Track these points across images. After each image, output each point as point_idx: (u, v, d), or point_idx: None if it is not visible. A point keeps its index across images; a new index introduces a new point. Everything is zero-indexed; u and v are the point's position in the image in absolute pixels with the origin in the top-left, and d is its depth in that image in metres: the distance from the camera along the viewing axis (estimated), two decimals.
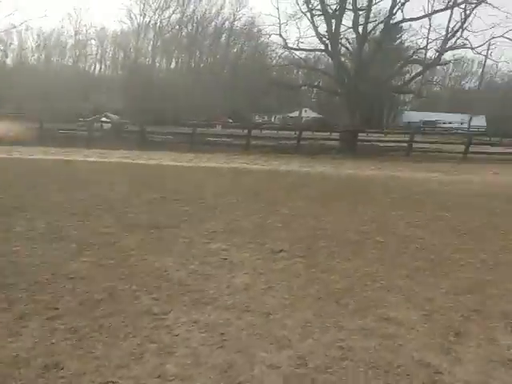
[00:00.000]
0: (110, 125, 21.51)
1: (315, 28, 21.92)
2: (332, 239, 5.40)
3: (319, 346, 2.84)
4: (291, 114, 65.84)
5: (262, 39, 48.44)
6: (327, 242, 5.26)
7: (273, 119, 67.57)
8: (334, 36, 21.23)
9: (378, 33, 22.69)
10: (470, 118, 39.64)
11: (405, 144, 19.46)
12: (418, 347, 2.89)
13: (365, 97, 22.26)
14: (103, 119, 22.96)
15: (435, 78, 51.77)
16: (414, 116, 61.54)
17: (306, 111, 64.35)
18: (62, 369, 2.56)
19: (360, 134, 21.35)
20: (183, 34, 64.12)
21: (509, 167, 15.31)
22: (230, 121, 50.36)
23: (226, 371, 2.54)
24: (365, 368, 2.61)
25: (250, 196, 8.15)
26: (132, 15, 65.72)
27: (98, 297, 3.56)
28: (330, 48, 21.87)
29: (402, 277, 4.18)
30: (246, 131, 21.38)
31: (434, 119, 58.69)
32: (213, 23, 64.60)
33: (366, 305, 3.51)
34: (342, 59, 23.26)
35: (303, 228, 5.92)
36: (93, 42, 65.09)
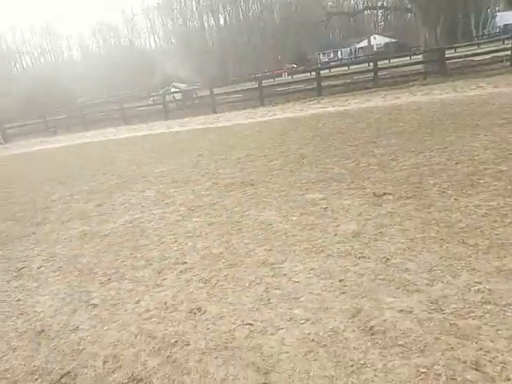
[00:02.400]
0: (180, 94, 22.04)
1: None
2: (441, 175, 5.01)
3: (453, 290, 2.70)
4: (359, 45, 61.10)
5: None
6: (436, 179, 4.89)
7: (339, 55, 63.64)
8: None
9: None
10: None
11: (507, 52, 16.15)
12: None
13: (442, 5, 19.35)
14: (172, 90, 23.56)
15: None
16: (511, 16, 52.30)
17: (375, 38, 59.11)
18: (205, 312, 2.88)
19: (447, 52, 18.20)
20: None
21: None
22: (295, 66, 48.65)
23: (356, 315, 2.60)
24: None
25: (337, 140, 7.93)
26: None
27: (217, 251, 3.86)
28: None
29: None
30: (313, 74, 20.46)
31: None
32: None
33: (501, 243, 3.20)
34: None
35: (404, 167, 5.61)
36: (140, 17, 66.00)
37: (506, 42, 21.04)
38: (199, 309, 2.93)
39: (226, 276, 3.35)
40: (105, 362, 2.51)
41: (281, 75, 39.01)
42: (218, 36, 58.67)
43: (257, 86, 18.37)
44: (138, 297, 3.23)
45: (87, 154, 11.78)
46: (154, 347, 2.58)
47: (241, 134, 10.96)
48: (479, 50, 19.97)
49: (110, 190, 6.87)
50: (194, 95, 22.75)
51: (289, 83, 25.22)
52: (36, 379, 2.46)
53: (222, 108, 18.38)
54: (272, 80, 33.68)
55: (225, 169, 7.15)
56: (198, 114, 18.21)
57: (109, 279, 3.63)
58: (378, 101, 13.13)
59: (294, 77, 35.38)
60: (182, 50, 54.86)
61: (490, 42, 31.53)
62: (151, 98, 24.32)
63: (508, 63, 15.52)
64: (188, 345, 2.55)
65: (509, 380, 1.94)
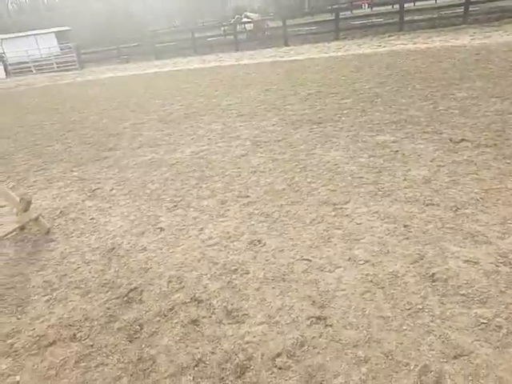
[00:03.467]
0: (251, 24, 21.18)
1: None
2: None
3: None
4: None
5: None
6: None
7: None
8: None
9: None
10: None
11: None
12: None
13: None
14: (244, 20, 22.63)
15: None
16: None
17: None
18: (264, 245, 2.97)
19: None
20: None
21: None
22: None
23: (417, 261, 2.54)
24: None
25: (415, 80, 7.31)
26: None
27: (280, 187, 3.88)
28: None
29: None
30: (397, 6, 18.50)
31: None
32: None
33: None
34: None
35: (487, 113, 5.11)
36: None
37: None
38: (260, 241, 3.02)
39: (287, 212, 3.39)
40: (169, 282, 2.71)
41: (360, 6, 35.89)
42: None
43: (333, 18, 17.11)
44: (201, 225, 3.40)
45: (157, 84, 12.03)
46: (215, 272, 2.74)
47: (312, 68, 10.47)
48: None
49: (178, 121, 7.05)
50: (266, 26, 21.79)
51: (368, 16, 23.13)
52: (106, 291, 2.72)
53: (295, 41, 17.52)
54: (350, 12, 31.12)
55: (293, 105, 6.97)
56: (269, 46, 17.58)
57: (175, 206, 3.83)
58: (465, 39, 11.73)
59: (374, 9, 32.39)
60: None
61: None
62: (222, 28, 23.71)
63: None
64: (247, 273, 2.68)
65: None
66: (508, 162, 3.69)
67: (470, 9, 15.48)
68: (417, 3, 27.89)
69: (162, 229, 3.44)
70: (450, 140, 4.39)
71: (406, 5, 20.36)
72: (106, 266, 3.02)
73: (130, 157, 5.49)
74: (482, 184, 3.38)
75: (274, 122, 6.07)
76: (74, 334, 2.35)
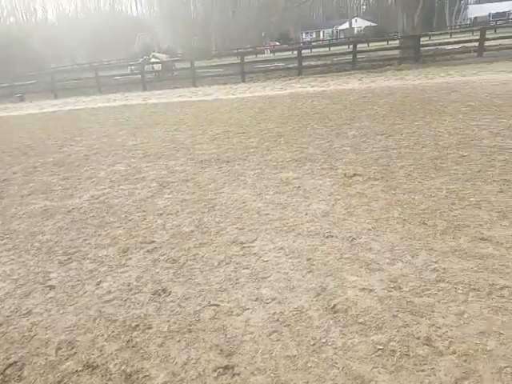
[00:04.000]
0: (160, 65, 21.34)
1: None
2: (408, 158, 5.13)
3: (411, 269, 2.78)
4: (341, 27, 60.90)
5: None
6: (403, 162, 5.01)
7: (321, 35, 63.16)
8: None
9: None
10: None
11: (475, 43, 16.98)
12: None
13: None
14: (152, 60, 22.72)
15: None
16: (481, 9, 54.13)
17: (356, 21, 59.16)
18: (170, 294, 2.82)
19: (422, 39, 19.16)
20: None
21: None
22: (278, 43, 47.92)
23: (320, 294, 2.61)
24: (464, 290, 2.52)
25: (313, 121, 7.90)
26: None
27: (187, 229, 3.79)
28: None
29: (494, 192, 3.90)
30: (295, 53, 20.23)
31: (505, 10, 51.19)
32: None
33: (457, 225, 3.34)
34: None
35: (374, 149, 5.67)
36: None
37: (475, 33, 21.68)
38: (164, 290, 2.86)
39: (195, 255, 3.29)
40: (58, 349, 2.37)
41: (263, 52, 38.40)
42: (203, 8, 56.90)
43: (239, 61, 17.99)
44: (99, 278, 3.11)
45: (55, 124, 11.31)
46: (113, 332, 2.49)
47: (220, 109, 10.76)
48: (451, 40, 20.40)
49: (77, 163, 6.63)
50: (174, 67, 22.06)
51: (271, 61, 24.87)
52: None
53: (203, 82, 17.98)
54: (254, 56, 33.15)
55: (201, 144, 7.02)
56: (177, 86, 17.77)
57: (69, 259, 3.46)
58: (354, 83, 13.13)
59: (276, 54, 34.90)
60: (164, 19, 53.01)
61: (462, 32, 32.37)
62: (129, 67, 23.45)
63: (475, 54, 15.98)
64: (150, 328, 2.49)
65: (455, 353, 2.03)
66: (394, 192, 4.08)
67: (358, 57, 17.59)
68: (313, 50, 30.80)
69: (51, 287, 3.07)
70: (345, 175, 4.75)
71: (303, 51, 22.34)
72: None
73: (17, 205, 4.94)
74: (373, 214, 3.68)
75: (182, 162, 6.03)
76: None
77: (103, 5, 64.91)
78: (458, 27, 45.86)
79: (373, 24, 56.02)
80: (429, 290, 2.54)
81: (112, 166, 6.21)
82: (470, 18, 55.75)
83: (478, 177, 4.31)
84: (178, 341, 2.36)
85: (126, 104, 14.06)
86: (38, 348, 2.42)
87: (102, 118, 11.34)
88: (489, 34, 18.45)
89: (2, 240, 4.03)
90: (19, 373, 2.25)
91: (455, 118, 6.90)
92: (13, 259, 3.60)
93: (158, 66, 21.51)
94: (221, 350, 2.24)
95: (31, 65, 36.23)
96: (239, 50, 30.02)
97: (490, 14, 51.92)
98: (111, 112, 12.48)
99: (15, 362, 2.33)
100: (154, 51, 26.91)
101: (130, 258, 3.38)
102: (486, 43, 16.49)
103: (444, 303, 2.41)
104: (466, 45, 17.26)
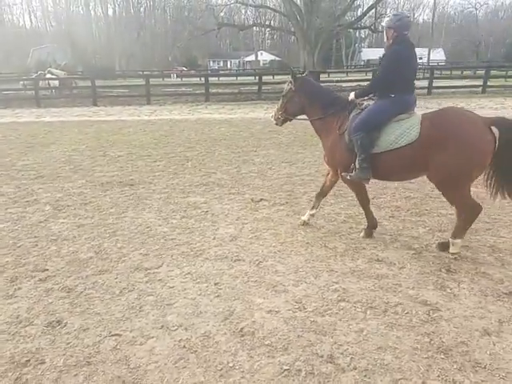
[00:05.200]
0: (57, 82, 19.91)
1: None
2: (310, 185, 5.49)
3: (314, 290, 2.94)
4: (247, 58, 63.90)
5: None
6: (306, 188, 5.35)
7: (229, 64, 65.45)
8: None
9: None
10: (429, 52, 38.75)
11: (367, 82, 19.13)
12: None
13: (320, 34, 21.88)
14: (48, 75, 21.10)
15: (388, 11, 51.62)
16: (373, 53, 61.41)
17: (262, 54, 62.60)
18: (65, 325, 2.59)
19: (322, 75, 20.99)
20: None
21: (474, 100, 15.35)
22: (185, 69, 48.26)
23: (228, 318, 2.63)
24: (363, 308, 2.71)
25: (221, 146, 8.06)
26: None
27: (85, 256, 3.54)
28: None
29: (386, 217, 4.31)
30: (203, 79, 20.61)
31: None
32: None
33: (355, 247, 3.62)
34: None
35: (280, 176, 5.96)
36: None
37: (368, 73, 24.60)
38: (59, 321, 2.62)
39: (93, 284, 3.08)
40: None
41: (170, 76, 38.27)
42: (106, 27, 54.99)
43: (144, 83, 17.65)
44: None
45: None
46: None
47: (123, 130, 10.37)
48: (347, 78, 22.81)
49: None
50: (74, 84, 20.77)
51: (178, 85, 24.85)
52: None
53: (105, 102, 17.16)
54: (161, 80, 32.80)
55: (102, 166, 6.66)
56: (76, 105, 16.68)
57: None
58: (260, 112, 13.76)
59: (184, 79, 35.06)
60: (62, 35, 49.98)
61: (356, 71, 36.48)
62: (21, 82, 21.39)
63: None
64: (43, 363, 2.26)
65: (355, 369, 2.18)
66: (298, 217, 4.31)
67: (263, 88, 18.52)
68: (221, 78, 31.65)
69: None
70: (252, 200, 4.91)
71: (211, 79, 22.82)
72: None
73: None
74: (279, 238, 3.85)
75: (80, 185, 5.64)
76: None
77: None
78: (353, 67, 51.11)
79: (277, 58, 59.78)
80: (331, 309, 2.71)
81: None
82: (364, 60, 62.87)
83: (373, 203, 4.67)
84: (75, 375, 2.17)
85: (17, 121, 12.74)
86: None
87: None
88: None
89: None
90: None
91: None
92: None
93: (54, 83, 20.05)
94: (123, 382, 2.12)
95: None
96: (145, 72, 29.47)
97: (379, 57, 59.03)
98: None
99: None
100: (50, 67, 25.07)
101: (20, 288, 3.04)
102: None
103: (345, 321, 2.58)
104: (360, 83, 19.30)
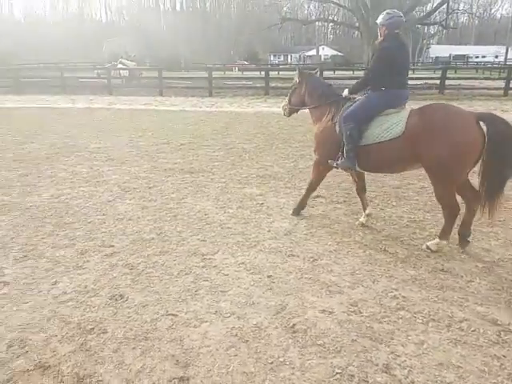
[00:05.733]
0: (127, 72, 20.99)
1: None
2: (370, 185, 5.09)
3: (371, 295, 2.83)
4: (308, 53, 63.06)
5: None
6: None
7: (289, 59, 65.04)
8: None
9: None
10: (507, 50, 35.34)
11: (436, 81, 17.54)
12: None
13: None
14: (119, 66, 22.30)
15: (461, 6, 47.92)
16: (442, 50, 57.75)
17: (323, 49, 61.48)
18: (127, 300, 2.75)
19: None
20: None
21: None
22: (246, 63, 48.70)
23: (280, 312, 2.63)
24: (424, 320, 2.56)
25: (279, 140, 8.05)
26: None
27: (148, 236, 3.72)
28: None
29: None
30: (263, 73, 20.62)
31: (464, 53, 55.14)
32: None
33: (417, 254, 3.42)
34: None
35: (337, 173, 5.72)
36: None
37: (436, 71, 23.03)
38: (122, 296, 2.79)
39: (154, 263, 3.23)
40: (9, 346, 2.28)
41: (231, 69, 38.83)
42: (173, 21, 56.95)
43: (207, 75, 18.08)
44: (55, 278, 3.00)
45: (17, 120, 10.77)
46: (67, 333, 2.40)
47: (186, 120, 10.71)
48: (414, 75, 21.67)
49: (37, 161, 6.35)
50: (140, 75, 21.79)
51: (239, 78, 25.17)
52: None
53: (169, 92, 17.82)
54: (222, 73, 33.36)
55: (166, 153, 6.94)
56: (143, 94, 17.49)
57: (25, 256, 3.33)
58: None
59: (244, 73, 35.39)
60: (134, 29, 52.60)
61: (424, 69, 34.40)
62: (96, 71, 22.82)
63: (437, 91, 16.89)
64: (105, 333, 2.42)
65: (413, 383, 2.06)
66: (356, 217, 4.20)
67: None
68: (281, 72, 31.57)
69: (5, 283, 2.93)
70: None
71: (271, 73, 22.83)
72: None
73: None
74: (335, 236, 3.77)
75: (146, 169, 5.92)
76: None
77: (72, 7, 63.54)
78: (420, 64, 48.46)
79: (339, 53, 58.41)
80: (389, 316, 2.60)
81: (73, 167, 5.99)
82: (432, 57, 59.36)
83: (436, 208, 4.35)
84: (133, 348, 2.30)
85: (91, 107, 13.64)
86: None
87: (66, 119, 10.93)
88: (449, 74, 19.61)
89: None
90: None
91: None
92: None
93: (125, 73, 21.15)
94: (177, 361, 2.20)
95: None
96: (208, 65, 30.14)
97: (450, 55, 55.42)
98: (75, 113, 12.08)
99: None
100: (121, 58, 26.44)
101: (88, 261, 3.27)
102: (447, 82, 17.20)
103: (404, 331, 2.46)
104: (427, 81, 18.18)
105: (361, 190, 4.13)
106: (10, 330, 2.42)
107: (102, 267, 3.17)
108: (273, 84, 18.76)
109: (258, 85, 19.16)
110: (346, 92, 3.94)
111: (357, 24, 22.99)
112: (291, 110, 4.52)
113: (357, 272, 3.15)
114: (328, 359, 2.23)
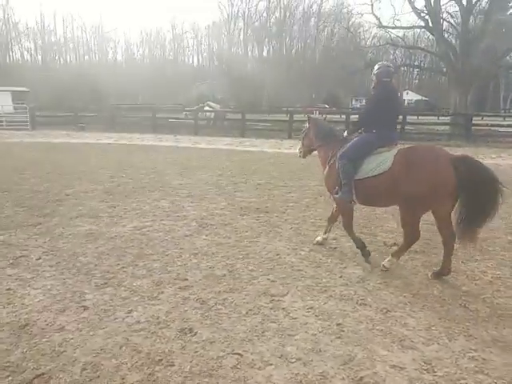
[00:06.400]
0: (212, 113, 22.52)
1: (412, 3, 20.53)
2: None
3: (447, 353, 2.62)
4: None
5: (354, 19, 46.66)
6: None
7: None
8: (433, 10, 19.51)
9: (484, 3, 20.21)
10: None
11: None
12: None
13: (475, 75, 19.95)
14: (206, 108, 24.01)
15: None
16: None
17: (407, 93, 60.19)
18: (195, 334, 2.82)
19: (474, 118, 19.07)
20: (272, 21, 64.86)
21: None
22: (327, 106, 49.29)
23: (347, 363, 2.52)
24: None
25: None
26: (221, 6, 72.86)
27: (220, 273, 3.83)
28: (430, 24, 20.21)
29: None
30: (343, 117, 20.69)
31: None
32: (300, 7, 64.24)
33: (500, 313, 3.14)
34: (445, 35, 21.22)
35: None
36: (188, 35, 69.63)
37: None
38: (191, 330, 2.87)
39: (224, 300, 3.30)
40: (83, 370, 2.43)
41: (312, 112, 39.61)
42: (259, 66, 60.54)
43: (287, 118, 18.66)
44: (130, 306, 3.19)
45: (109, 155, 12.00)
46: (137, 362, 2.52)
47: (264, 161, 11.06)
48: (504, 122, 20.15)
49: (125, 194, 6.95)
50: (225, 116, 23.19)
51: None
52: (7, 376, 2.38)
53: (250, 134, 18.65)
54: (303, 116, 34.17)
55: (242, 192, 7.19)
56: (226, 135, 18.52)
57: (105, 283, 3.58)
58: None
59: (325, 116, 35.84)
60: (221, 73, 56.71)
61: None
62: (184, 113, 24.81)
63: None
64: (172, 365, 2.49)
65: None
66: (435, 269, 3.88)
67: (406, 128, 17.70)
68: None
69: (85, 307, 3.17)
70: (384, 243, 4.67)
71: (352, 116, 22.82)
72: (13, 345, 2.68)
73: (65, 226, 5.20)
74: (411, 288, 3.55)
75: (223, 207, 6.17)
76: None
77: (168, 54, 70.88)
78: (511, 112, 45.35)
79: (424, 98, 56.78)
80: (465, 379, 2.37)
81: (156, 201, 6.46)
82: None
83: None
84: (198, 383, 2.33)
85: (177, 146, 14.77)
86: (65, 365, 2.49)
87: (153, 156, 11.94)
88: None
89: (47, 256, 4.24)
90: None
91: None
92: (54, 275, 3.77)
93: (210, 114, 22.69)
94: None
95: (95, 99, 39.27)
96: (289, 108, 31.11)
97: None
98: (162, 151, 13.14)
99: (43, 374, 2.41)
100: (208, 100, 28.46)
101: (162, 292, 3.44)
102: None
103: None
104: None
105: (333, 220, 4.66)
106: (84, 354, 2.59)
107: (175, 300, 3.31)
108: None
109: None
110: (345, 133, 4.48)
111: (444, 69, 22.27)
112: (305, 152, 5.13)
113: (432, 328, 2.93)
114: None
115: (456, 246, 4.49)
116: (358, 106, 60.32)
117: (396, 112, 4.30)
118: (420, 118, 26.50)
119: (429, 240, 4.77)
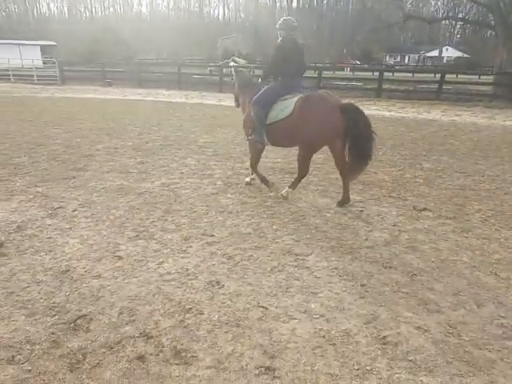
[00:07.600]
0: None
1: None
2: (487, 202, 4.83)
3: (474, 319, 2.62)
4: (429, 54, 58.77)
5: None
6: (481, 205, 4.72)
7: (406, 60, 61.40)
8: None
9: None
10: None
11: None
12: None
13: None
14: (231, 64, 23.45)
15: None
16: None
17: (447, 50, 56.79)
18: (223, 287, 2.94)
19: None
20: None
21: None
22: (358, 62, 47.29)
23: (371, 322, 2.57)
24: None
25: (386, 146, 7.71)
26: None
27: (245, 231, 3.90)
28: None
29: None
30: (376, 74, 19.84)
31: None
32: None
33: None
34: None
35: (450, 186, 5.42)
36: None
37: None
38: (218, 282, 2.99)
39: (249, 256, 3.38)
40: (120, 313, 2.60)
41: (342, 69, 38.11)
42: None
43: (316, 75, 18.09)
44: (162, 258, 3.33)
45: (137, 111, 12.06)
46: (169, 309, 2.66)
47: None
48: None
49: (153, 151, 7.04)
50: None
51: (349, 79, 24.66)
52: (54, 315, 2.56)
53: None
54: (332, 72, 32.95)
55: (268, 152, 7.11)
56: None
57: (137, 236, 3.73)
58: (437, 114, 12.62)
59: (356, 73, 34.47)
60: (248, 26, 54.78)
61: None
62: (209, 68, 24.33)
63: None
64: (202, 314, 2.62)
65: None
66: (466, 235, 3.88)
67: (444, 87, 16.81)
68: (396, 74, 30.04)
69: (120, 257, 3.34)
70: (414, 208, 4.60)
71: (385, 74, 21.88)
72: (56, 288, 2.88)
73: (98, 180, 5.38)
74: (440, 254, 3.52)
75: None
76: (13, 357, 2.20)
77: (193, 5, 68.65)
78: None
79: (465, 55, 53.39)
80: (492, 344, 2.38)
81: (183, 159, 6.53)
82: None
83: None
84: (226, 332, 2.46)
85: (202, 103, 14.65)
86: (104, 308, 2.67)
87: (179, 113, 11.93)
88: None
89: (82, 208, 4.44)
90: (87, 325, 2.51)
91: None
92: (90, 226, 3.96)
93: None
94: (264, 351, 2.30)
95: (121, 54, 39.00)
96: (317, 65, 30.00)
97: None
98: (188, 108, 13.09)
99: (84, 315, 2.60)
100: (234, 56, 27.81)
101: (191, 247, 3.56)
102: None
103: (508, 363, 2.24)
104: None
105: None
106: (121, 299, 2.75)
107: (203, 254, 3.42)
108: (385, 86, 17.98)
109: (368, 86, 18.58)
110: (259, 80, 5.00)
111: (492, 22, 20.55)
112: (237, 100, 5.53)
113: (460, 293, 2.92)
114: (418, 376, 2.13)
115: (490, 211, 4.44)
116: (392, 62, 57.45)
117: (299, 62, 4.59)
118: (460, 76, 25.09)
119: (461, 206, 4.69)
